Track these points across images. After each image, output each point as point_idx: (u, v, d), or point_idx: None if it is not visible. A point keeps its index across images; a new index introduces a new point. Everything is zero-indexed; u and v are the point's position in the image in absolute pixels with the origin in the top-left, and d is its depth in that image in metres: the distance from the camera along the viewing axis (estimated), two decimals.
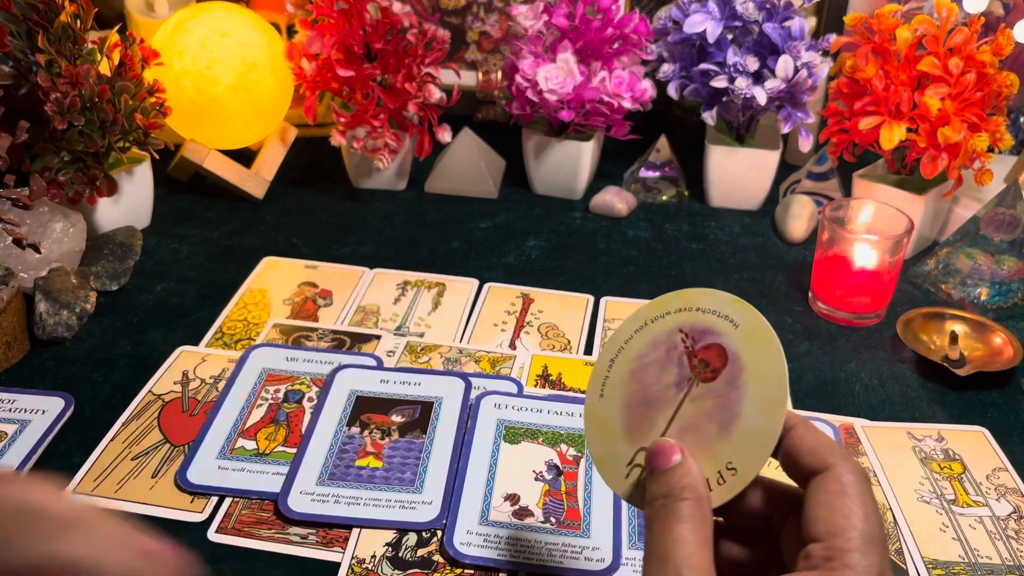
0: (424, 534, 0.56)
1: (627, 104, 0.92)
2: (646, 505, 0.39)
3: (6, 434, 0.62)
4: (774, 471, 0.41)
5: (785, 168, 1.05)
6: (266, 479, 0.59)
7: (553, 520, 0.57)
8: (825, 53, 0.90)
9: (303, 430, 0.64)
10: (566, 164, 0.98)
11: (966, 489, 0.62)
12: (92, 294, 0.77)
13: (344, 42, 0.91)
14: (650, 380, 0.43)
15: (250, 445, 0.62)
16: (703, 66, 0.91)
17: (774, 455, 0.40)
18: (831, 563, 0.33)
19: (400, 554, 0.55)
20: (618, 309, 0.81)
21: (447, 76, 0.97)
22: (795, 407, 0.69)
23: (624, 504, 0.59)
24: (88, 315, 0.75)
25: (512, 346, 0.75)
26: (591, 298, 0.83)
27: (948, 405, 0.70)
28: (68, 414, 0.65)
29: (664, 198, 1.02)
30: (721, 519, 0.42)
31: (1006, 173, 0.92)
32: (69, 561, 0.32)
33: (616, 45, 0.94)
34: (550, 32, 0.94)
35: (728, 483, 0.40)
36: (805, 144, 0.94)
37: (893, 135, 0.81)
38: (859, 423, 0.67)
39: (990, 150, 0.82)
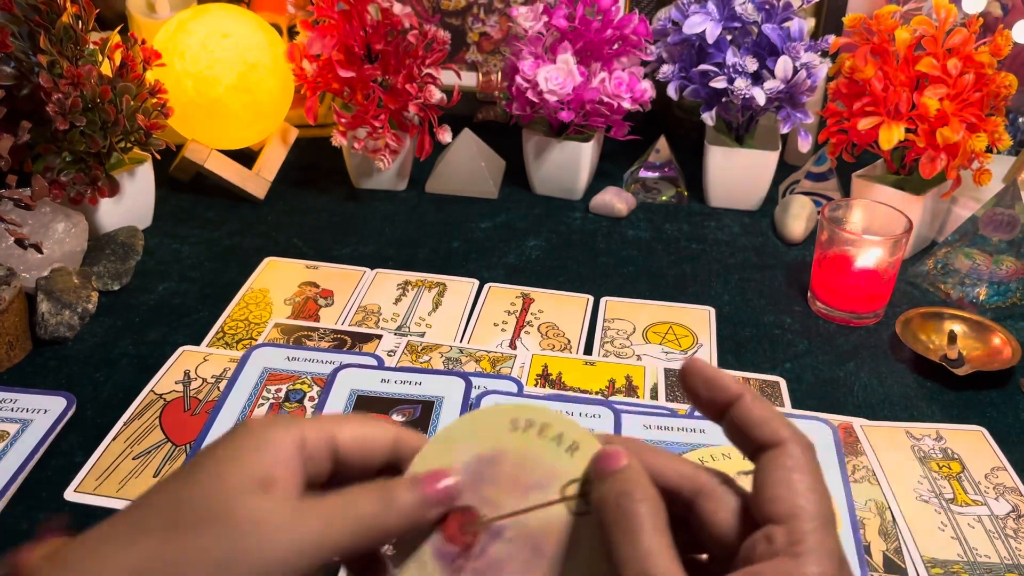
0: None
1: (627, 105, 0.92)
2: (599, 502, 0.35)
3: (8, 433, 0.62)
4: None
5: (784, 168, 1.06)
6: None
7: None
8: (824, 54, 0.90)
9: None
10: (566, 164, 0.98)
11: (965, 488, 0.62)
12: (94, 294, 0.77)
13: (345, 43, 0.91)
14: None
15: None
16: (702, 67, 0.91)
17: (720, 422, 0.37)
18: (796, 547, 0.32)
19: None
20: (618, 309, 0.81)
21: (447, 77, 0.98)
22: (795, 407, 0.69)
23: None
24: (90, 315, 0.76)
25: (512, 346, 0.75)
26: (591, 298, 0.83)
27: (947, 404, 0.70)
28: (70, 413, 0.65)
29: (664, 198, 1.02)
30: None
31: (1004, 173, 0.92)
32: None
33: (616, 46, 0.94)
34: (550, 33, 0.94)
35: None
36: (804, 144, 0.94)
37: (892, 135, 0.81)
38: (858, 422, 0.68)
39: (988, 150, 0.82)
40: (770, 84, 0.89)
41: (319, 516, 0.34)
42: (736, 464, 0.61)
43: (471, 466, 0.39)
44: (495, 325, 0.78)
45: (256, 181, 0.98)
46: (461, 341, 0.76)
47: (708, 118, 0.94)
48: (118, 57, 0.83)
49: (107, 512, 0.56)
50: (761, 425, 0.35)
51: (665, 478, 0.36)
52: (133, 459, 0.61)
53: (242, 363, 0.71)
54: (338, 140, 0.94)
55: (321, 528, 0.34)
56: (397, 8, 0.89)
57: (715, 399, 0.36)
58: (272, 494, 0.34)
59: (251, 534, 0.33)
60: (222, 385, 0.69)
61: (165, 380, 0.69)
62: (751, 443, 0.35)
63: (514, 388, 0.69)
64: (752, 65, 0.90)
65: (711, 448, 0.63)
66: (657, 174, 1.02)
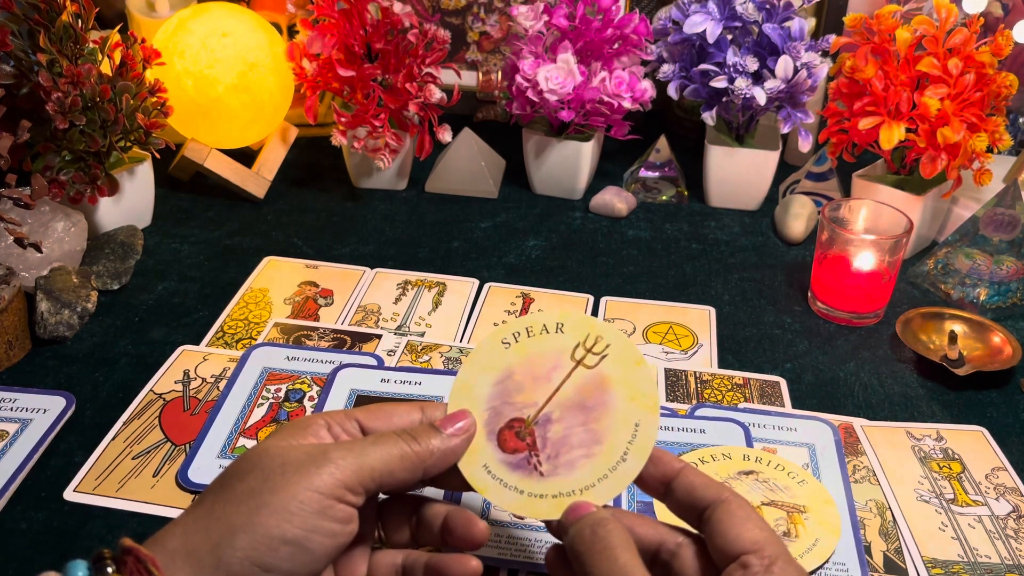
0: None
1: (627, 104, 0.92)
2: (573, 539, 0.41)
3: (7, 433, 0.62)
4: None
5: (785, 168, 1.06)
6: None
7: None
8: (825, 53, 0.90)
9: None
10: (566, 164, 0.98)
11: (965, 488, 0.62)
12: (93, 293, 0.77)
13: (345, 42, 0.91)
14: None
15: (251, 444, 0.63)
16: (703, 66, 0.91)
17: (664, 497, 0.44)
18: (771, 567, 0.38)
19: None
20: (618, 309, 0.81)
21: (448, 76, 0.98)
22: (795, 407, 0.69)
23: (623, 501, 0.59)
24: (89, 314, 0.75)
25: None
26: (591, 298, 0.83)
27: (947, 405, 0.70)
28: (69, 413, 0.65)
29: (664, 198, 1.02)
30: None
31: (1005, 173, 0.92)
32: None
33: (616, 45, 0.94)
34: (550, 32, 0.94)
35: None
36: (805, 144, 0.94)
37: (892, 135, 0.81)
38: (858, 423, 0.68)
39: (989, 150, 0.82)
40: (771, 84, 0.89)
41: (351, 450, 0.40)
42: (736, 464, 0.61)
43: (493, 392, 0.46)
44: (495, 325, 0.78)
45: (256, 180, 0.98)
46: (461, 341, 0.76)
47: (708, 118, 0.94)
48: (118, 56, 0.83)
49: (106, 512, 0.57)
50: (705, 488, 0.42)
51: (638, 535, 0.43)
52: (132, 459, 0.61)
53: (242, 363, 0.70)
54: (338, 139, 0.93)
55: (356, 460, 0.40)
56: (397, 7, 0.89)
57: (663, 472, 0.43)
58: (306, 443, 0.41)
59: (289, 465, 0.39)
60: (222, 385, 0.69)
61: (164, 380, 0.69)
62: (698, 504, 0.42)
63: None
64: (753, 65, 0.90)
65: (711, 448, 0.63)
66: (657, 174, 1.02)
